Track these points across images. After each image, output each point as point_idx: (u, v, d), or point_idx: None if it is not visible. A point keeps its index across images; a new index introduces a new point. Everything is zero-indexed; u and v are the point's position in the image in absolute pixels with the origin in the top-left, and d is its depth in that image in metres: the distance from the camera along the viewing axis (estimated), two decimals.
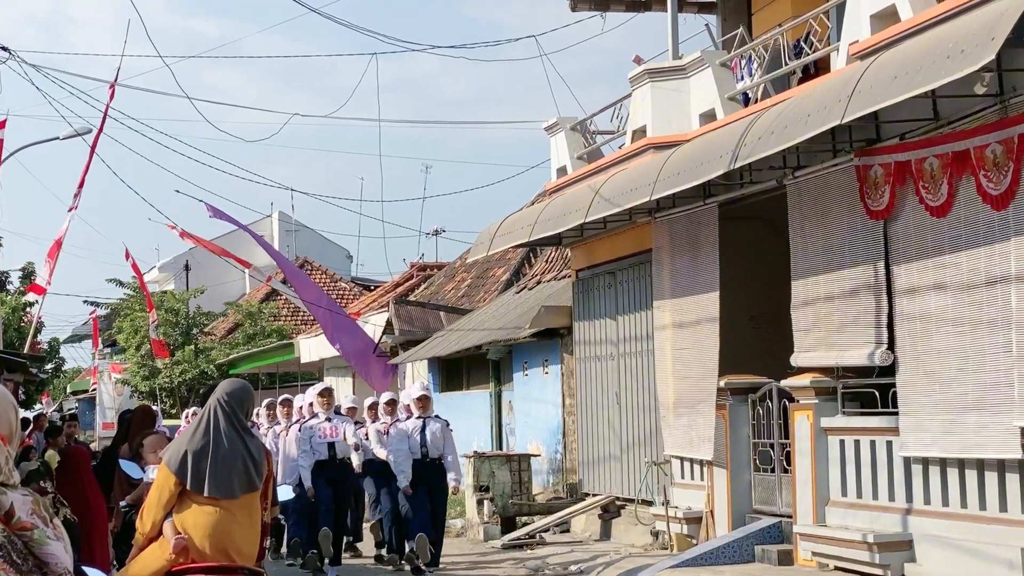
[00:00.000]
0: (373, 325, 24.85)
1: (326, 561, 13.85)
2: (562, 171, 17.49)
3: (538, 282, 22.61)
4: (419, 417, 13.88)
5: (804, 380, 12.03)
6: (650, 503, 15.07)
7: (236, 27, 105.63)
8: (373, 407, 15.22)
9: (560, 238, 17.12)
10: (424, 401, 13.96)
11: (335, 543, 13.94)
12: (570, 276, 18.28)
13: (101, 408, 36.04)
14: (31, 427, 18.60)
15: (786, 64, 13.23)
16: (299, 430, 14.22)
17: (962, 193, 10.25)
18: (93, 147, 17.70)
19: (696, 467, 14.12)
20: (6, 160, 19.96)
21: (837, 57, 12.15)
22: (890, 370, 11.14)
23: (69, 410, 38.15)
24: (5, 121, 17.35)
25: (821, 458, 11.84)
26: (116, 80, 16.96)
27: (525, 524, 16.86)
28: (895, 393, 11.03)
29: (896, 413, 10.98)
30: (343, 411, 14.51)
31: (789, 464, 12.37)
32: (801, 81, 13.28)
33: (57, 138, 23.71)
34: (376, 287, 38.16)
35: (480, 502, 17.14)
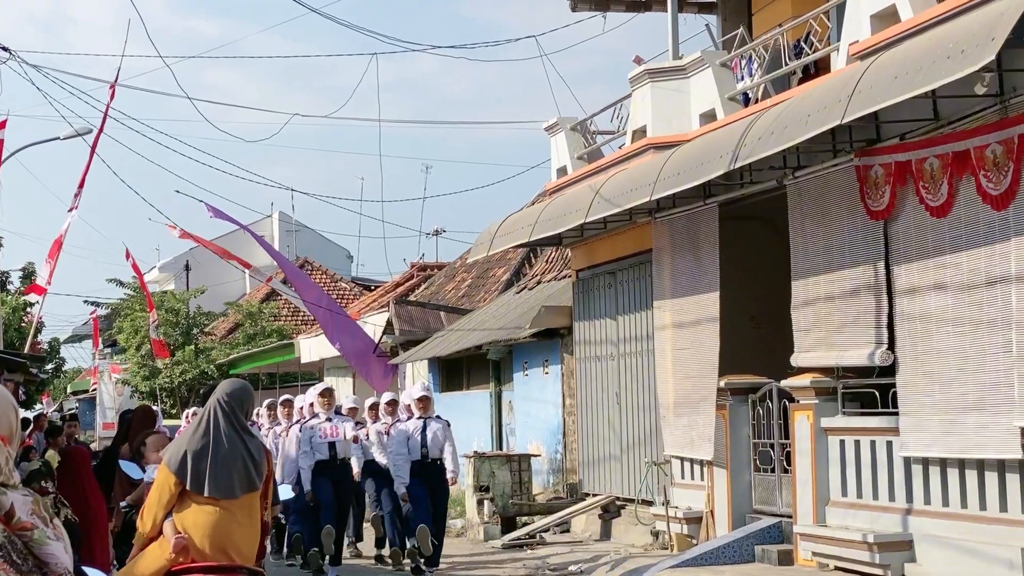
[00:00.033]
0: (373, 325, 24.86)
1: (327, 560, 13.84)
2: (562, 171, 17.49)
3: (538, 282, 22.61)
4: (420, 417, 13.88)
5: (804, 380, 12.03)
6: (650, 503, 15.07)
7: (236, 27, 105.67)
8: (374, 407, 15.22)
9: (560, 238, 17.13)
10: (425, 402, 13.96)
11: (336, 542, 13.94)
12: (570, 276, 18.28)
13: (101, 408, 36.01)
14: (31, 427, 18.60)
15: (786, 64, 13.23)
16: (299, 430, 14.22)
17: (962, 193, 10.25)
18: (93, 147, 17.70)
19: (696, 467, 14.12)
20: (6, 160, 19.97)
21: (837, 57, 12.16)
22: (890, 370, 11.14)
23: (69, 410, 38.15)
24: (5, 121, 17.35)
25: (821, 458, 11.84)
26: (116, 80, 16.97)
27: (525, 524, 16.86)
28: (895, 393, 11.03)
29: (896, 413, 10.98)
30: (344, 411, 14.51)
31: (789, 464, 12.37)
32: (801, 81, 13.28)
33: (57, 138, 23.72)
34: (376, 287, 38.17)
35: (480, 502, 17.15)
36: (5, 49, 17.22)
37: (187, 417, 18.50)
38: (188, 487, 6.69)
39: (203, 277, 43.86)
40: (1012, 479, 9.86)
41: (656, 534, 14.62)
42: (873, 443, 11.38)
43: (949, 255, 10.40)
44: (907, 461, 10.95)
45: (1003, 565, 9.73)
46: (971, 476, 10.29)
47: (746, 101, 14.09)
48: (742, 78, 14.37)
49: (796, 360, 12.27)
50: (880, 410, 11.31)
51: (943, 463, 10.56)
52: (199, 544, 6.64)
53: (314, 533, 13.85)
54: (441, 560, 14.00)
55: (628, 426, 16.03)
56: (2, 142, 17.34)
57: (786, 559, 12.03)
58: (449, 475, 13.88)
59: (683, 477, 14.44)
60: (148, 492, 7.16)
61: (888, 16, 11.04)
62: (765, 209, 13.69)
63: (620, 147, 16.23)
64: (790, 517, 12.27)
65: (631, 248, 15.88)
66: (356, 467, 14.28)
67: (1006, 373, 9.80)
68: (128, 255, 26.79)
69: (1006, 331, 9.79)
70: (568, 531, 16.57)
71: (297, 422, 14.66)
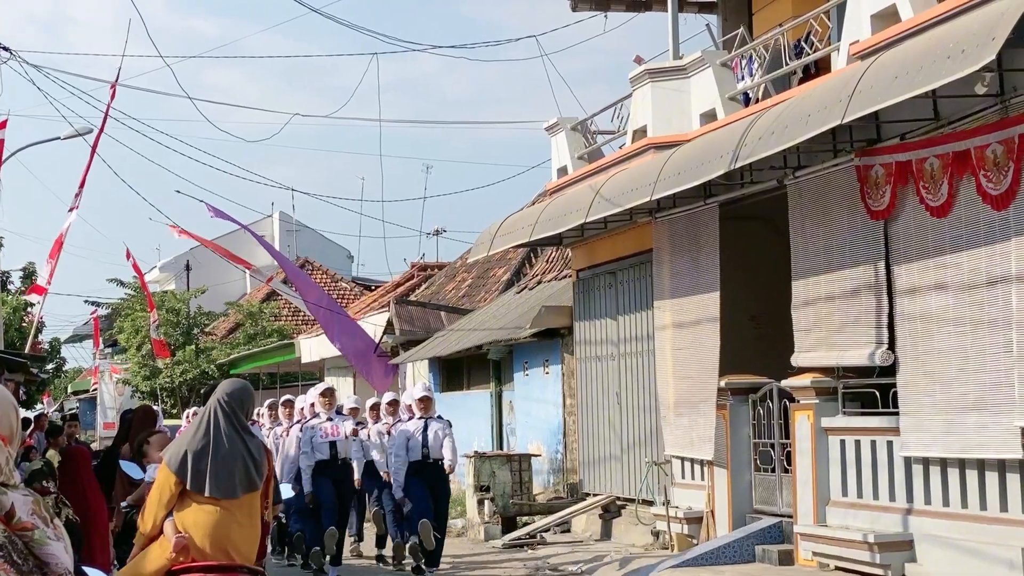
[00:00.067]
0: (374, 325, 24.86)
1: (327, 559, 13.84)
2: (563, 171, 17.49)
3: (539, 282, 22.62)
4: (421, 418, 13.87)
5: (805, 380, 12.03)
6: (651, 503, 15.07)
7: (236, 27, 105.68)
8: (375, 408, 15.22)
9: (561, 238, 17.13)
10: (426, 402, 13.96)
11: (337, 542, 13.94)
12: (571, 276, 18.28)
13: (102, 408, 36.03)
14: (32, 427, 18.61)
15: (787, 64, 13.23)
16: (300, 430, 14.22)
17: (962, 193, 10.25)
18: (94, 147, 17.71)
19: (697, 467, 14.12)
20: (7, 160, 19.97)
21: (838, 57, 12.16)
22: (891, 370, 11.14)
23: (70, 410, 38.16)
24: (6, 121, 17.36)
25: (822, 458, 11.84)
26: (117, 80, 16.97)
27: (526, 524, 16.87)
28: (895, 393, 11.04)
29: (897, 413, 10.98)
30: (345, 411, 14.51)
31: (790, 464, 12.37)
32: (802, 81, 13.28)
33: (58, 138, 23.71)
34: (377, 287, 38.17)
35: (481, 502, 17.15)
36: (6, 49, 17.24)
37: (188, 417, 18.51)
38: (188, 487, 6.69)
39: (204, 277, 43.87)
40: (1012, 479, 9.86)
41: (656, 534, 14.62)
42: (873, 443, 11.38)
43: (949, 255, 10.40)
44: (907, 461, 10.95)
45: (1003, 565, 9.73)
46: (971, 476, 10.29)
47: (746, 101, 14.09)
48: (742, 78, 14.37)
49: (796, 360, 12.27)
50: (880, 410, 11.31)
51: (943, 463, 10.56)
52: (199, 543, 6.64)
53: (316, 532, 13.85)
54: (442, 560, 14.00)
55: (628, 426, 16.03)
56: (2, 142, 17.35)
57: (786, 559, 12.03)
58: (447, 463, 13.78)
59: (683, 477, 14.44)
60: (149, 492, 7.17)
61: (888, 16, 11.04)
62: (765, 209, 13.69)
63: (620, 147, 16.23)
64: (790, 517, 12.27)
65: (631, 248, 15.88)
66: (357, 472, 14.29)
67: (1006, 373, 9.80)
68: (129, 255, 26.81)
69: (1006, 331, 9.79)
70: (568, 531, 16.58)
71: (298, 422, 14.66)
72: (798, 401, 12.18)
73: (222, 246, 25.96)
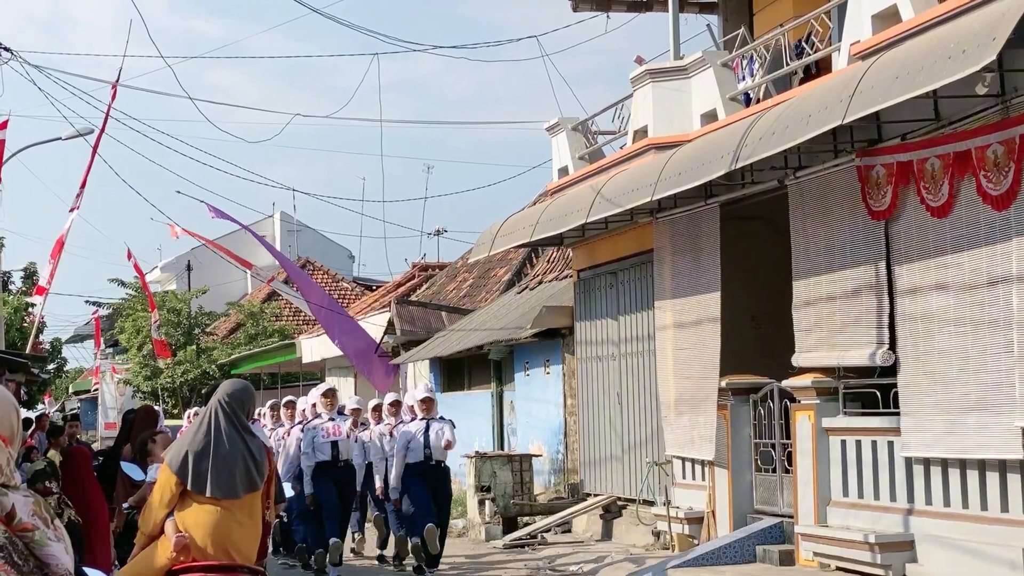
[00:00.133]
0: (375, 325, 24.86)
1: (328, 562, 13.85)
2: (563, 171, 17.50)
3: (539, 282, 22.62)
4: (423, 419, 13.85)
5: (805, 380, 12.03)
6: (651, 503, 15.07)
7: (236, 27, 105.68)
8: (377, 408, 15.21)
9: (561, 238, 17.13)
10: (428, 403, 13.94)
11: (338, 525, 13.97)
12: (571, 276, 18.28)
13: (103, 408, 36.09)
14: (33, 427, 18.62)
15: (787, 64, 13.23)
16: (302, 431, 14.22)
17: (963, 193, 10.25)
18: (95, 147, 17.71)
19: (697, 467, 14.12)
20: (8, 160, 19.98)
21: (838, 57, 12.16)
22: (891, 370, 11.14)
23: (71, 410, 38.19)
24: (7, 121, 17.36)
25: (822, 458, 11.84)
26: (118, 80, 16.98)
27: (526, 524, 16.87)
28: (896, 393, 11.04)
29: (897, 413, 10.99)
30: (347, 412, 14.50)
31: (790, 464, 12.38)
32: (802, 81, 13.28)
33: (59, 138, 23.72)
34: (378, 287, 38.17)
35: (482, 502, 17.14)
36: (7, 49, 17.24)
37: (189, 417, 18.52)
38: (189, 487, 6.70)
39: (205, 277, 43.89)
40: (1013, 479, 9.86)
41: (657, 534, 14.62)
42: (874, 443, 11.38)
43: (950, 255, 10.40)
44: (908, 461, 10.95)
45: (1004, 565, 9.73)
46: (972, 476, 10.29)
47: (747, 101, 14.09)
48: (743, 78, 14.37)
49: (797, 360, 12.27)
50: (881, 410, 11.31)
51: (944, 463, 10.56)
52: (200, 543, 6.65)
53: (318, 536, 13.87)
54: (442, 560, 14.00)
55: (629, 426, 16.03)
56: (3, 142, 17.34)
57: (787, 559, 12.04)
58: (445, 439, 13.66)
59: (684, 477, 14.44)
60: (151, 492, 7.18)
61: (889, 16, 11.04)
62: (766, 209, 13.69)
63: (621, 147, 16.23)
64: (791, 517, 12.27)
65: (632, 248, 15.88)
66: (360, 475, 14.34)
67: (1007, 373, 9.80)
68: (130, 255, 26.82)
69: (1007, 331, 9.79)
70: (569, 531, 16.57)
71: (300, 422, 14.67)
72: (799, 401, 12.19)
73: (224, 246, 25.96)
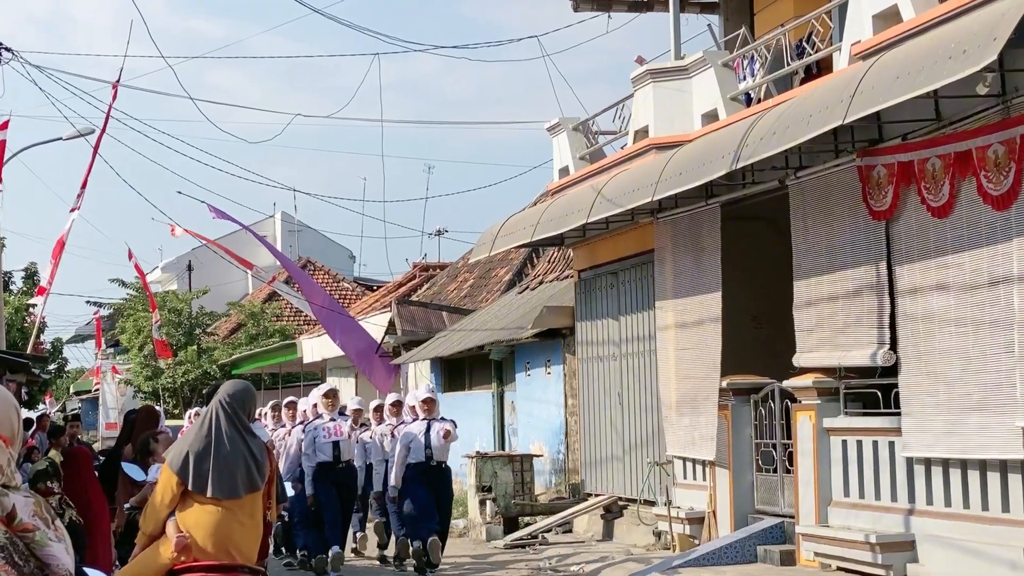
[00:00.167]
0: (376, 325, 24.86)
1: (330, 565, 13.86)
2: (564, 171, 17.49)
3: (540, 282, 22.61)
4: (424, 419, 13.84)
5: (806, 380, 12.03)
6: (652, 503, 15.07)
7: (237, 27, 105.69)
8: (378, 409, 15.21)
9: (562, 238, 17.13)
10: (430, 403, 13.92)
11: (340, 530, 13.98)
12: (572, 276, 18.28)
13: (104, 408, 36.08)
14: (34, 427, 18.63)
15: (788, 64, 13.23)
16: (303, 431, 14.21)
17: (964, 194, 10.25)
18: (96, 147, 17.73)
19: (698, 467, 14.12)
20: (9, 160, 19.99)
21: (839, 57, 12.15)
22: (892, 370, 11.14)
23: (72, 410, 38.21)
24: (8, 122, 17.37)
25: (823, 458, 11.84)
26: (119, 81, 16.99)
27: (527, 524, 16.87)
28: (897, 393, 11.03)
29: (898, 413, 10.98)
30: (348, 412, 14.50)
31: (791, 464, 12.37)
32: (803, 81, 13.28)
33: (60, 138, 23.72)
34: (379, 287, 38.17)
35: (482, 502, 17.14)
36: (8, 50, 17.26)
37: (190, 417, 18.52)
38: (190, 487, 6.71)
39: (205, 277, 43.89)
40: (1014, 479, 9.86)
41: (658, 534, 14.62)
42: (875, 443, 11.38)
43: (951, 255, 10.40)
44: (909, 461, 10.95)
45: (1005, 565, 9.73)
46: (973, 476, 10.28)
47: (748, 101, 14.09)
48: (744, 78, 14.37)
49: (798, 360, 12.27)
50: (882, 410, 11.31)
51: (945, 463, 10.56)
52: (201, 543, 6.66)
53: (319, 542, 13.88)
54: (443, 561, 13.99)
55: (630, 426, 16.03)
56: (4, 142, 17.35)
57: (788, 559, 12.03)
58: (444, 427, 13.65)
59: (685, 477, 14.44)
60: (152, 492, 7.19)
61: (890, 16, 11.04)
62: (767, 209, 13.69)
63: (622, 147, 16.23)
64: (792, 517, 12.27)
65: (633, 248, 15.88)
66: (361, 477, 14.35)
67: (1008, 373, 9.80)
68: (131, 255, 26.84)
69: (1008, 331, 9.79)
70: (570, 531, 16.57)
71: (301, 422, 14.66)
72: (800, 401, 12.18)
73: (224, 246, 25.96)
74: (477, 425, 21.10)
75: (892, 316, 11.14)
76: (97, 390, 38.37)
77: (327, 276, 45.33)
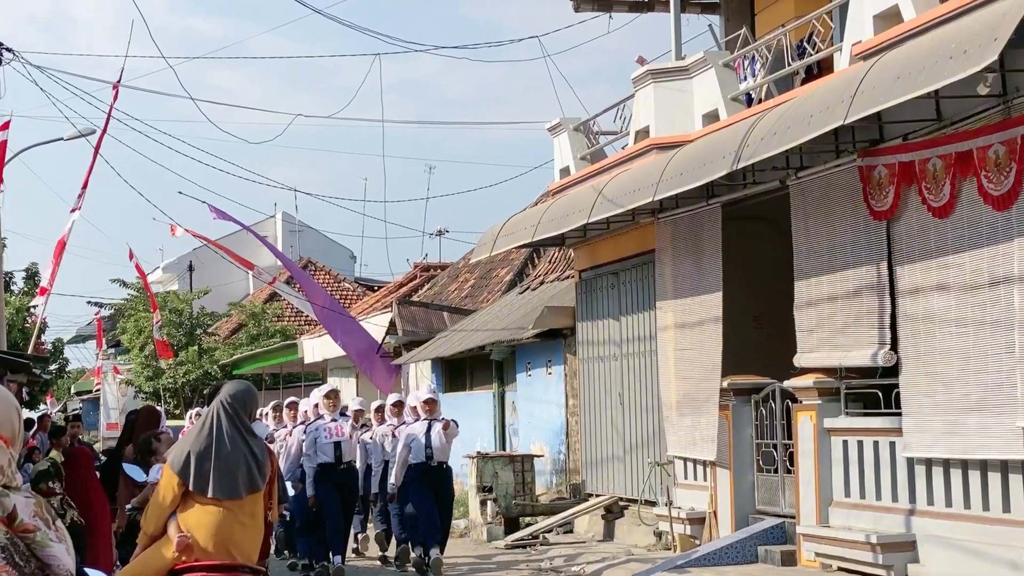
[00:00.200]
0: (376, 326, 24.86)
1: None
2: (565, 172, 17.50)
3: (541, 283, 22.62)
4: (425, 419, 13.82)
5: (807, 381, 12.03)
6: (653, 504, 15.07)
7: (238, 27, 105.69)
8: (380, 410, 15.20)
9: (563, 239, 17.14)
10: (431, 404, 13.90)
11: (340, 538, 13.97)
12: (573, 277, 18.28)
13: (105, 408, 36.10)
14: (35, 428, 18.64)
15: (789, 64, 13.23)
16: (304, 431, 14.20)
17: (965, 194, 10.25)
18: (97, 148, 17.73)
19: (699, 468, 14.12)
20: (10, 161, 20.00)
21: (840, 57, 12.15)
22: (893, 371, 11.14)
23: (73, 411, 38.22)
24: (9, 122, 17.38)
25: (824, 459, 11.84)
26: (120, 81, 17.00)
27: (528, 525, 16.87)
28: (898, 394, 11.03)
29: (899, 414, 10.98)
30: (350, 413, 14.49)
31: (792, 465, 12.37)
32: (804, 81, 13.27)
33: (61, 139, 23.73)
34: (379, 287, 38.17)
35: (483, 503, 17.14)
36: (8, 50, 17.26)
37: (191, 418, 18.52)
38: (191, 488, 6.71)
39: (207, 278, 43.90)
40: (1015, 480, 9.86)
41: (659, 535, 14.62)
42: (876, 443, 11.38)
43: (952, 255, 10.40)
44: (910, 462, 10.95)
45: (1006, 566, 9.72)
46: (974, 477, 10.28)
47: (749, 101, 14.09)
48: (745, 78, 14.37)
49: (799, 360, 12.27)
50: (883, 411, 11.31)
51: (946, 464, 10.56)
52: (203, 544, 6.66)
53: (320, 550, 13.88)
54: (444, 561, 13.98)
55: (631, 426, 16.03)
56: (5, 143, 17.36)
57: (789, 560, 12.04)
58: (444, 421, 13.65)
59: (686, 478, 14.44)
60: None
61: (891, 16, 11.04)
62: (768, 209, 13.69)
63: (623, 147, 16.23)
64: (793, 518, 12.27)
65: (634, 248, 15.88)
66: (362, 478, 14.36)
67: (1009, 373, 9.80)
68: (132, 256, 26.84)
69: (1009, 332, 9.79)
70: (571, 532, 16.57)
71: (302, 423, 14.66)
72: (800, 402, 12.18)
73: (225, 246, 25.97)
74: (478, 425, 21.10)
75: (893, 316, 11.14)
76: (98, 390, 38.38)
77: (328, 276, 45.33)
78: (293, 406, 15.70)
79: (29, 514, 3.44)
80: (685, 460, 14.42)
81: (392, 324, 24.05)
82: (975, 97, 9.91)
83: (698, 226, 14.01)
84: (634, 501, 15.65)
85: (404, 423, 14.15)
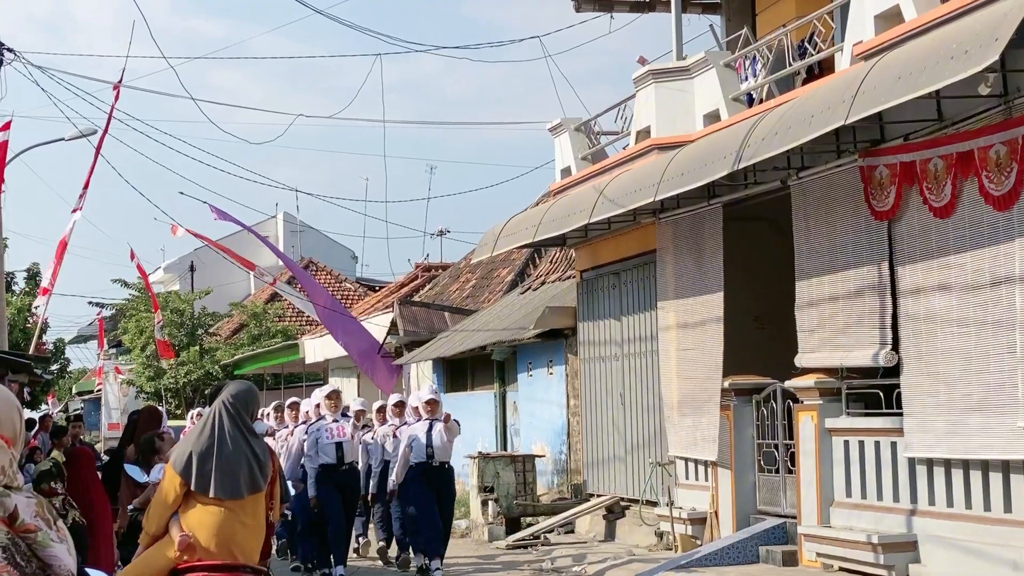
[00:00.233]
0: (378, 326, 24.86)
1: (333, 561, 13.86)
2: (566, 172, 17.50)
3: (542, 283, 22.62)
4: (426, 419, 13.80)
5: (808, 381, 12.03)
6: (654, 504, 15.07)
7: (238, 28, 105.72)
8: (381, 410, 15.19)
9: (564, 239, 17.14)
10: (433, 405, 13.87)
11: (342, 544, 13.95)
12: (574, 277, 18.28)
13: (107, 409, 36.09)
14: (36, 428, 18.65)
15: (790, 64, 13.23)
16: (305, 432, 14.19)
17: (966, 194, 10.25)
18: (98, 148, 17.73)
19: (700, 468, 14.12)
20: (11, 161, 20.00)
21: (841, 57, 12.16)
22: (894, 371, 11.14)
23: (74, 411, 38.24)
24: (10, 122, 17.38)
25: (825, 459, 11.84)
26: (121, 81, 17.00)
27: (530, 525, 16.87)
28: (899, 394, 11.03)
29: (900, 414, 10.98)
30: (351, 413, 14.48)
31: (793, 465, 12.37)
32: (805, 82, 13.28)
33: (62, 139, 23.74)
34: (381, 288, 38.18)
35: (485, 503, 17.14)
36: (10, 50, 17.26)
37: (192, 418, 18.53)
38: (193, 488, 6.72)
39: (208, 278, 43.90)
40: (1017, 480, 9.86)
41: (660, 535, 14.62)
42: (877, 444, 11.38)
43: (953, 256, 10.40)
44: (911, 462, 10.95)
45: (1007, 566, 9.72)
46: (975, 477, 10.28)
47: (750, 101, 14.09)
48: (746, 78, 14.37)
49: (800, 360, 12.27)
50: (884, 411, 11.31)
51: (947, 464, 10.56)
52: (205, 543, 6.67)
53: (322, 556, 13.87)
54: (446, 561, 13.97)
55: (632, 427, 16.03)
56: (7, 143, 17.36)
57: (790, 560, 12.03)
58: (445, 414, 13.67)
59: (687, 478, 14.44)
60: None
61: (892, 16, 11.04)
62: (769, 210, 13.69)
63: (624, 148, 16.23)
64: (794, 518, 12.27)
65: (635, 249, 15.88)
66: (363, 480, 14.34)
67: (1010, 374, 9.80)
68: (133, 256, 26.85)
69: (1010, 332, 9.79)
70: (572, 532, 16.57)
71: (303, 423, 14.65)
72: (802, 402, 12.18)
73: (227, 247, 25.98)
74: (479, 425, 21.10)
75: (894, 316, 11.14)
76: (99, 391, 38.38)
77: (329, 276, 45.34)
78: (295, 406, 15.69)
79: (30, 514, 3.44)
80: (686, 460, 14.42)
81: (393, 324, 24.05)
82: (976, 97, 9.91)
83: (699, 226, 14.01)
84: (635, 501, 15.65)
85: (405, 423, 14.13)
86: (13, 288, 36.66)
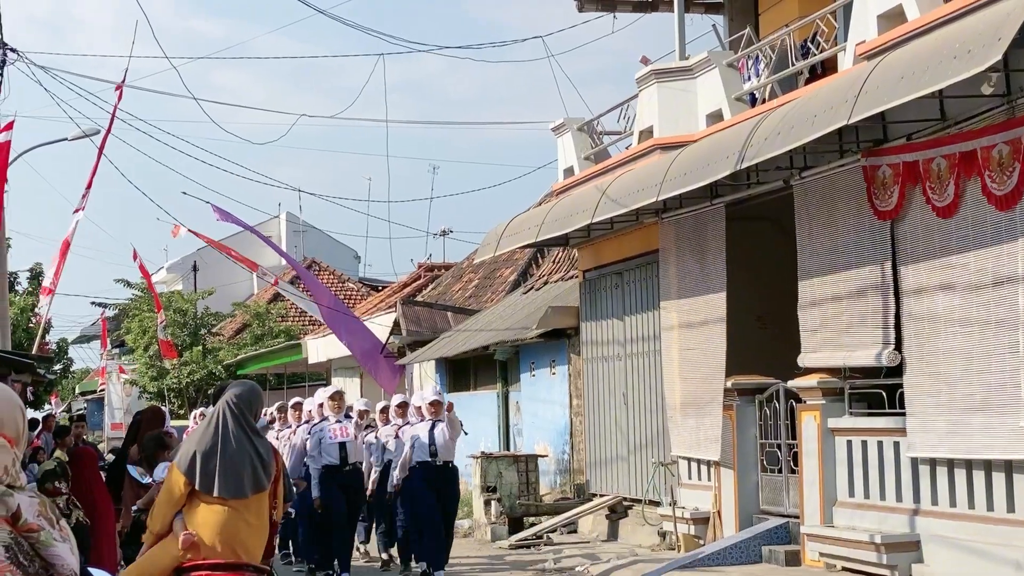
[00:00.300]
0: (381, 326, 24.87)
1: (335, 564, 13.84)
2: (569, 172, 17.50)
3: (545, 283, 22.62)
4: (430, 419, 13.79)
5: (811, 381, 12.03)
6: (657, 504, 15.07)
7: (240, 28, 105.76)
8: (384, 410, 15.18)
9: (567, 239, 17.14)
10: (436, 406, 13.83)
11: (347, 548, 13.94)
12: (577, 277, 18.29)
13: (110, 409, 36.11)
14: (39, 428, 18.65)
15: (793, 64, 13.22)
16: (308, 432, 14.17)
17: (969, 194, 10.25)
18: (101, 148, 17.75)
19: (703, 468, 14.12)
20: (14, 161, 20.02)
21: (844, 57, 12.15)
22: (897, 371, 11.13)
23: (78, 411, 38.26)
24: (13, 122, 17.39)
25: (828, 459, 11.84)
26: (124, 81, 17.02)
27: (532, 525, 16.87)
28: (902, 394, 11.03)
29: (903, 414, 10.98)
30: (354, 413, 14.47)
31: (796, 465, 12.37)
32: (808, 81, 13.27)
33: (65, 139, 23.75)
34: (384, 288, 38.19)
35: (487, 503, 17.15)
36: (12, 51, 17.28)
37: (195, 418, 18.53)
38: (197, 487, 6.72)
39: (211, 278, 43.93)
40: (1019, 480, 9.85)
41: (663, 535, 14.62)
42: (880, 444, 11.38)
43: (956, 255, 10.40)
44: (914, 462, 10.95)
45: (1010, 566, 9.72)
46: (978, 477, 10.28)
47: (753, 101, 14.09)
48: (749, 78, 14.37)
49: (803, 360, 12.26)
50: (887, 410, 11.30)
51: (950, 463, 10.56)
52: (209, 542, 6.68)
53: (325, 558, 13.86)
54: (449, 561, 13.97)
55: (635, 427, 16.03)
56: (9, 143, 17.37)
57: (793, 560, 12.03)
58: (448, 404, 13.65)
59: (690, 478, 14.44)
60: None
61: (895, 16, 11.04)
62: (772, 209, 13.69)
63: (627, 147, 16.23)
64: (797, 518, 12.27)
65: (638, 248, 15.88)
66: (367, 481, 14.33)
67: (1013, 373, 9.79)
68: (136, 256, 26.86)
69: (1013, 331, 9.78)
70: (575, 532, 16.57)
71: (306, 422, 14.64)
72: (805, 402, 12.18)
73: (229, 247, 26.00)
74: (482, 425, 21.10)
75: (897, 316, 11.13)
76: (102, 390, 38.43)
77: (332, 276, 45.35)
78: (298, 406, 15.68)
79: (33, 514, 3.44)
80: (689, 460, 14.41)
81: (396, 324, 24.06)
82: (979, 97, 9.90)
83: (702, 226, 14.01)
84: (638, 501, 15.65)
85: (408, 423, 14.12)
86: (16, 288, 36.69)
